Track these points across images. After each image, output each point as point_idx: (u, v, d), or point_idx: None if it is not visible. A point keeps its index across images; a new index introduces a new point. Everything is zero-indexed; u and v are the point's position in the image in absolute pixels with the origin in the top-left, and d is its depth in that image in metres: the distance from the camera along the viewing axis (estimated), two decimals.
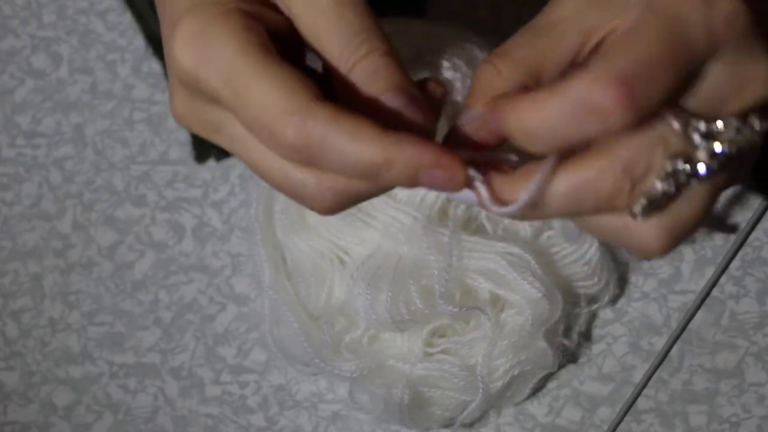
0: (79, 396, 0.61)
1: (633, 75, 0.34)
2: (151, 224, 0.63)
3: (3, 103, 0.66)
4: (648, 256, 0.39)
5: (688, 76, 0.35)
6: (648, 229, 0.37)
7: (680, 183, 0.36)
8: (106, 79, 0.66)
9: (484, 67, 0.37)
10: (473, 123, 0.37)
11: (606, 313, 0.60)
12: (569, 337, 0.58)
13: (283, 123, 0.34)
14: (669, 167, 0.36)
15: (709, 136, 0.36)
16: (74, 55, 0.67)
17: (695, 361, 0.59)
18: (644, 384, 0.58)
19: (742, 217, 0.60)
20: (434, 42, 0.46)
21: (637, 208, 0.36)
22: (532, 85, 0.36)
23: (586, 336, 0.60)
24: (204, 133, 0.37)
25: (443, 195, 0.53)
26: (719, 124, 0.36)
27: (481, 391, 0.54)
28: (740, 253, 0.60)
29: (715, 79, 0.35)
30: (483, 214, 0.55)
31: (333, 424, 0.60)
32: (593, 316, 0.60)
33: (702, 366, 0.59)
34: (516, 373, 0.55)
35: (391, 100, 0.35)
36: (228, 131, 0.36)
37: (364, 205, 0.53)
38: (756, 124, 0.36)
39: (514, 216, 0.36)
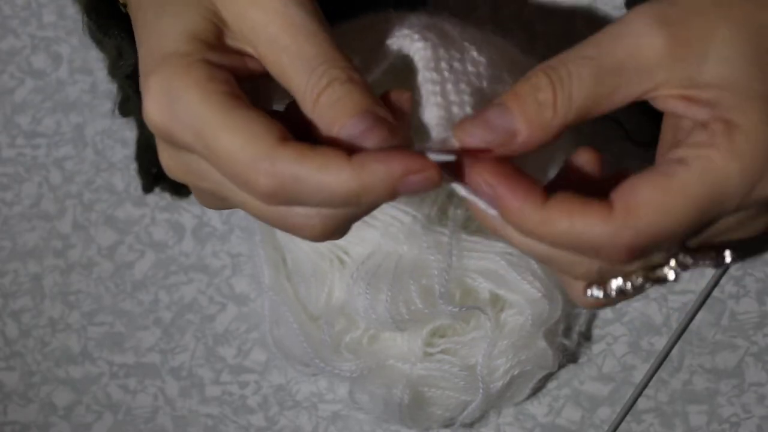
0: (79, 396, 0.61)
1: (650, 244, 0.35)
2: (151, 224, 0.63)
3: (3, 103, 0.66)
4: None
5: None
6: (585, 297, 0.39)
7: (638, 289, 0.38)
8: (106, 79, 0.66)
9: (543, 85, 0.35)
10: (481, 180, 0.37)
11: (606, 313, 0.60)
12: (569, 337, 0.58)
13: (254, 171, 0.34)
14: (638, 281, 0.38)
15: (685, 264, 0.37)
16: (74, 55, 0.67)
17: (695, 361, 0.59)
18: (644, 384, 0.58)
19: None
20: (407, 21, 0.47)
21: (590, 292, 0.38)
22: (573, 125, 0.36)
23: (586, 336, 0.60)
24: (191, 182, 0.38)
25: (443, 194, 0.53)
26: (700, 262, 0.37)
27: (481, 391, 0.54)
28: None
29: (718, 226, 0.36)
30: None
31: (333, 424, 0.60)
32: (593, 316, 0.60)
33: (702, 366, 0.59)
34: (516, 373, 0.55)
35: (356, 124, 0.35)
36: (212, 178, 0.37)
37: None
38: (728, 257, 0.38)
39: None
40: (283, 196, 0.35)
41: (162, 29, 0.36)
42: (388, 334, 0.56)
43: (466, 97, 0.42)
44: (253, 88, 0.37)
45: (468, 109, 0.42)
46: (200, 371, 0.61)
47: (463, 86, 0.43)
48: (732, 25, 0.35)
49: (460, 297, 0.54)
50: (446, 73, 0.43)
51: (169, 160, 0.38)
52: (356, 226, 0.53)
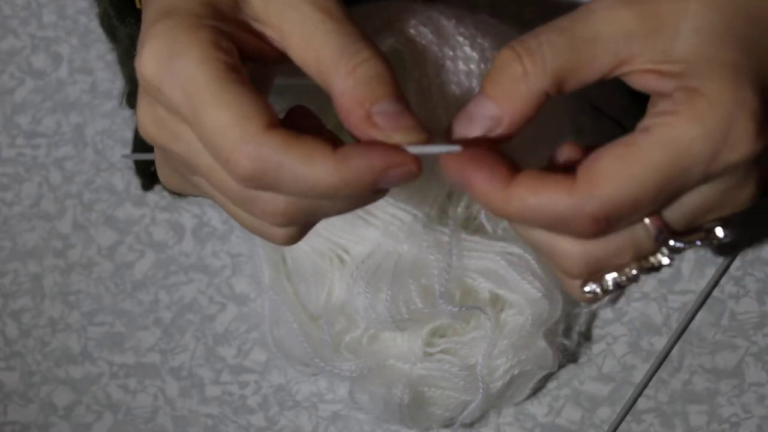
0: (79, 396, 0.61)
1: (615, 213, 0.35)
2: (151, 224, 0.63)
3: (3, 103, 0.66)
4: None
5: (671, 200, 0.36)
6: (579, 291, 0.39)
7: (633, 279, 0.38)
8: (106, 79, 0.66)
9: (510, 60, 0.36)
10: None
11: (606, 313, 0.60)
12: (569, 337, 0.58)
13: (237, 152, 0.34)
14: (632, 272, 0.38)
15: (677, 248, 0.37)
16: (74, 55, 0.67)
17: (695, 361, 0.59)
18: (644, 384, 0.58)
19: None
20: (403, 14, 0.47)
21: (587, 288, 0.38)
22: (552, 93, 0.36)
23: (586, 336, 0.60)
24: (162, 141, 0.37)
25: (443, 194, 0.53)
26: (691, 242, 0.37)
27: (481, 391, 0.54)
28: (740, 253, 0.60)
29: (698, 198, 0.36)
30: (483, 213, 0.54)
31: (333, 424, 0.60)
32: (593, 316, 0.60)
33: (702, 366, 0.59)
34: (516, 372, 0.55)
35: (393, 104, 0.35)
36: (187, 140, 0.36)
37: None
38: (720, 233, 0.37)
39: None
40: (262, 181, 0.34)
41: None
42: (388, 334, 0.56)
43: (452, 100, 0.42)
44: (252, 72, 0.37)
45: (453, 111, 0.42)
46: (200, 371, 0.61)
47: (453, 87, 0.43)
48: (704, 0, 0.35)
49: (460, 297, 0.54)
50: (434, 77, 0.43)
51: (146, 114, 0.37)
52: (356, 225, 0.54)
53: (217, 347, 0.61)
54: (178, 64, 0.34)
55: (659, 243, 0.37)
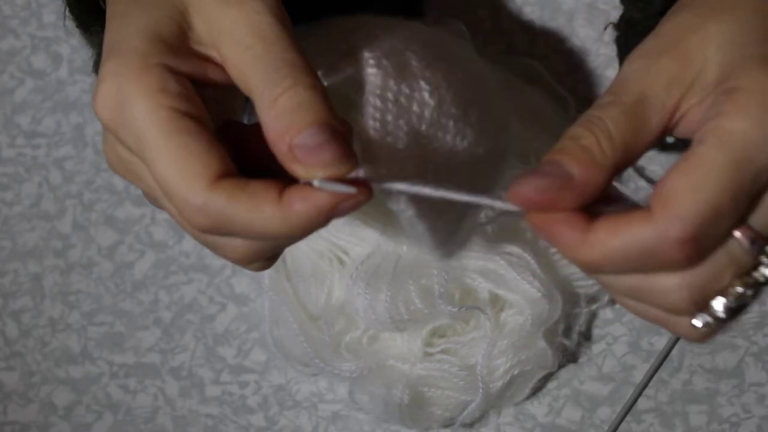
0: (79, 396, 0.61)
1: (700, 229, 0.34)
2: (151, 224, 0.63)
3: (3, 103, 0.66)
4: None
5: (751, 203, 0.35)
6: (692, 329, 0.37)
7: (743, 299, 0.36)
8: None
9: (584, 134, 0.36)
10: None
11: (606, 313, 0.60)
12: (569, 337, 0.58)
13: (188, 207, 0.34)
14: (738, 291, 0.36)
15: None
16: (74, 55, 0.67)
17: (695, 361, 0.59)
18: (644, 384, 0.58)
19: None
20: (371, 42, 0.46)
21: (698, 321, 0.36)
22: (621, 167, 0.36)
23: (586, 336, 0.60)
24: (128, 178, 0.38)
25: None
26: None
27: (481, 391, 0.54)
28: None
29: None
30: (482, 214, 0.54)
31: (333, 424, 0.60)
32: (593, 316, 0.60)
33: (702, 366, 0.59)
34: (516, 372, 0.55)
35: (314, 135, 0.34)
36: (147, 181, 0.37)
37: None
38: None
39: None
40: (216, 231, 0.35)
41: (127, 23, 0.36)
42: (387, 334, 0.56)
43: (401, 134, 0.42)
44: (214, 96, 0.37)
45: (400, 146, 0.42)
46: (200, 371, 0.61)
47: (401, 123, 0.43)
48: (720, 17, 0.35)
49: (460, 297, 0.54)
50: (390, 105, 0.43)
51: (110, 151, 0.38)
52: (356, 226, 0.54)
53: (217, 347, 0.61)
54: (127, 114, 0.35)
55: (755, 253, 0.35)
